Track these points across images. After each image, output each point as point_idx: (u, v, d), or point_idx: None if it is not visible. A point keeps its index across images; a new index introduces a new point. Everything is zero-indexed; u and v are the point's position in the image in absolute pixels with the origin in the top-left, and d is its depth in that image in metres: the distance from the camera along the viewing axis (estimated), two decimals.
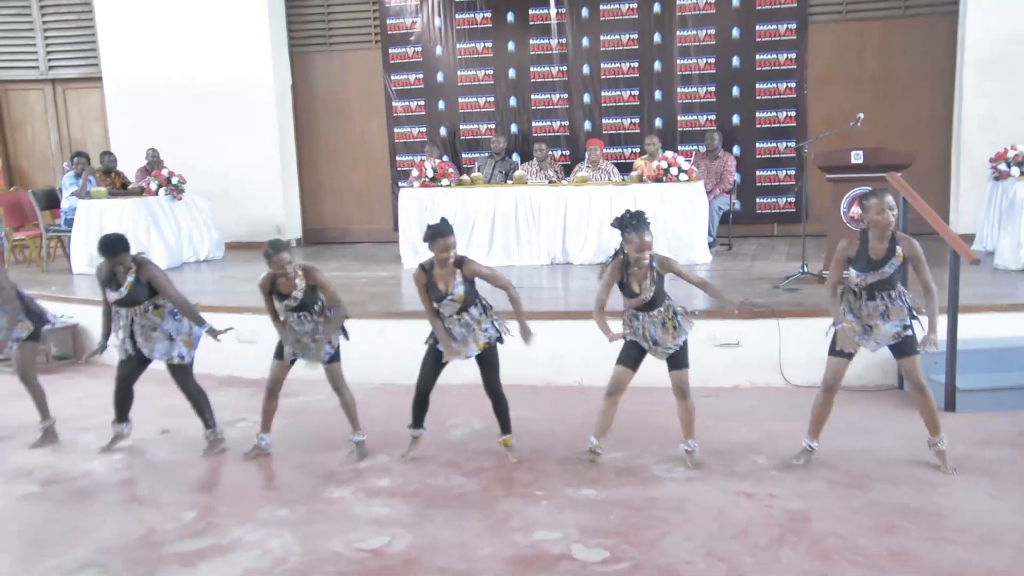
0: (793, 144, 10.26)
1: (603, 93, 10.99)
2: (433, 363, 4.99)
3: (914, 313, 4.57)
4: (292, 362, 5.15)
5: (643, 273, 4.61)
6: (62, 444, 5.61)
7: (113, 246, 5.05)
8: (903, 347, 4.60)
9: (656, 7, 10.67)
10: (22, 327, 5.49)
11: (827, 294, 4.71)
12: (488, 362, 4.95)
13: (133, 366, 5.28)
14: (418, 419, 5.12)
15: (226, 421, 5.88)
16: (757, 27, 10.44)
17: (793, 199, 10.54)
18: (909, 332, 4.56)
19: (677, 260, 4.94)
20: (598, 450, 4.93)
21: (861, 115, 7.42)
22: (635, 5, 10.74)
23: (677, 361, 4.75)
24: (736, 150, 10.56)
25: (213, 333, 5.13)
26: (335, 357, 5.12)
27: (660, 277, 4.66)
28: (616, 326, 4.82)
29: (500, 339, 4.97)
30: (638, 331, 4.74)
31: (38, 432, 5.61)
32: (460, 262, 4.82)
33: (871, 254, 4.47)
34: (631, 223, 4.56)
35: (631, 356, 4.79)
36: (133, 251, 5.17)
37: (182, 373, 5.28)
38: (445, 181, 9.30)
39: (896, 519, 4.11)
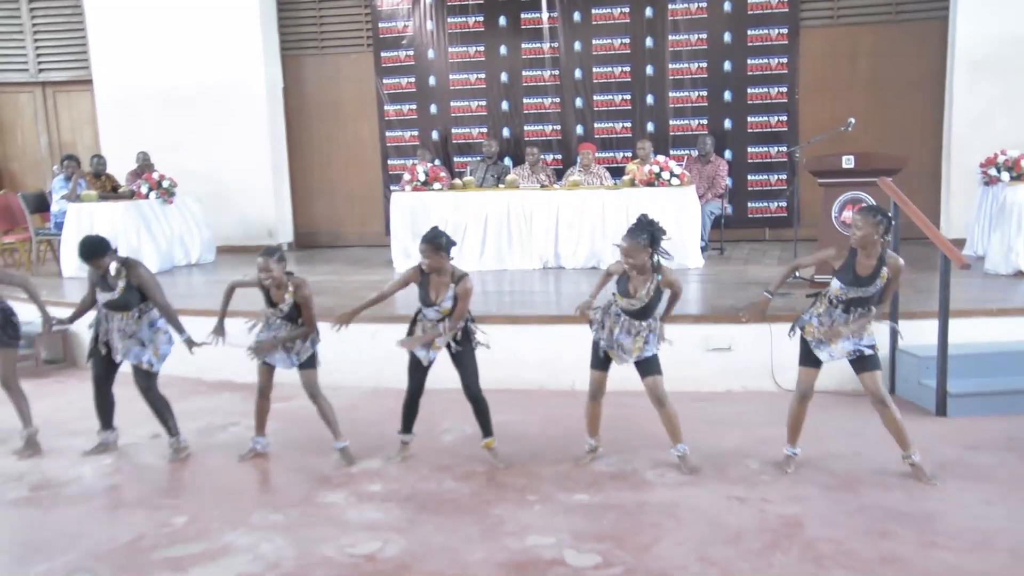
0: (785, 148, 10.29)
1: (595, 97, 11.00)
2: (415, 367, 4.99)
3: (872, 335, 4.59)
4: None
5: (642, 280, 4.60)
6: (48, 450, 5.54)
7: (92, 250, 5.04)
8: (863, 362, 4.58)
9: (648, 11, 10.69)
10: None
11: (783, 270, 4.81)
12: (464, 365, 4.94)
13: (104, 366, 5.29)
14: (407, 425, 5.15)
15: (218, 425, 5.88)
16: (749, 32, 10.46)
17: (785, 203, 10.57)
18: (868, 352, 4.55)
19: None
20: (597, 448, 5.03)
21: (852, 120, 7.46)
22: (627, 9, 10.75)
23: (647, 368, 4.74)
24: (728, 154, 10.57)
25: (190, 344, 5.11)
26: (309, 364, 5.11)
27: (659, 292, 4.64)
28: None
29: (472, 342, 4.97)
30: (606, 327, 4.73)
31: (21, 440, 5.54)
32: (460, 279, 4.80)
33: (858, 270, 4.48)
34: (629, 229, 4.60)
35: (601, 359, 4.85)
36: (124, 254, 5.15)
37: (145, 379, 5.23)
38: (437, 185, 9.29)
39: (888, 524, 4.11)
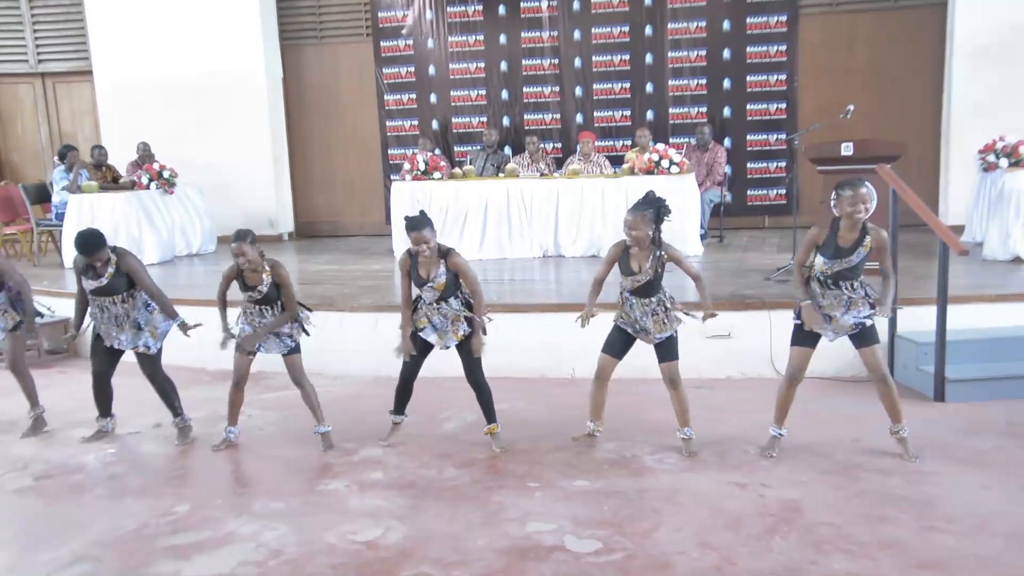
0: (784, 136, 10.31)
1: (595, 86, 11.01)
2: (417, 351, 5.02)
3: (873, 304, 4.59)
4: (253, 354, 5.18)
5: (644, 255, 4.64)
6: (55, 436, 5.62)
7: (91, 244, 5.09)
8: (863, 336, 4.62)
9: (647, 0, 10.69)
10: (8, 318, 5.54)
11: (794, 273, 4.79)
12: (468, 352, 4.97)
13: (105, 357, 5.35)
14: (400, 406, 5.20)
15: (220, 415, 5.88)
16: (748, 19, 10.48)
17: (784, 191, 10.60)
18: (868, 322, 4.59)
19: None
20: (596, 432, 5.05)
21: (851, 107, 7.45)
22: None
23: (666, 353, 4.80)
24: (727, 142, 10.60)
25: (184, 327, 5.20)
26: (294, 350, 5.17)
27: (662, 264, 4.70)
28: (609, 320, 4.87)
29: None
30: (628, 315, 4.78)
31: (28, 421, 5.67)
32: (446, 253, 4.85)
33: (839, 242, 4.50)
34: (636, 202, 4.66)
35: (616, 346, 4.88)
36: (124, 244, 5.21)
37: (148, 362, 5.33)
38: (437, 174, 9.30)
39: (887, 508, 4.14)
